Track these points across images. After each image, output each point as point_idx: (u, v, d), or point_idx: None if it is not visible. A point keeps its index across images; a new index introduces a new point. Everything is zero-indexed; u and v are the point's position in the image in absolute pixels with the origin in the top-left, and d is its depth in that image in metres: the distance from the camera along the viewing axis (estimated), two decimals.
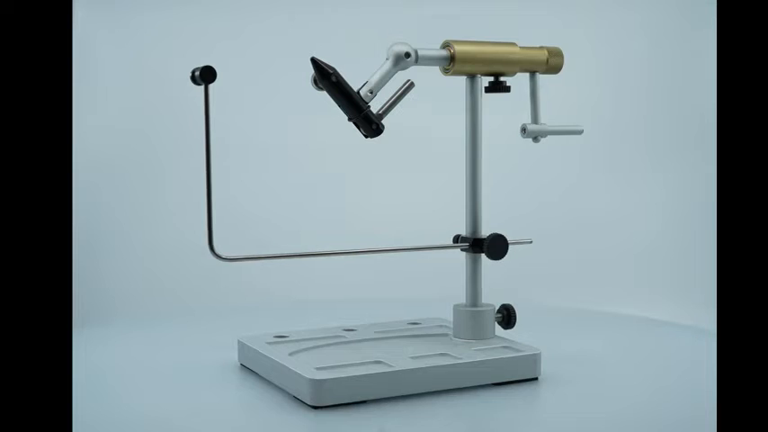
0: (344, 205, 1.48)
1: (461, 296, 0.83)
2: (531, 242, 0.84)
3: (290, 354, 0.79)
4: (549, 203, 1.47)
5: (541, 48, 0.83)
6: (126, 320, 1.22)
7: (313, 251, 0.81)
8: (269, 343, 0.82)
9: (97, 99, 1.48)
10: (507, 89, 0.82)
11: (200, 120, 0.75)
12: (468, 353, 0.78)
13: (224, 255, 0.76)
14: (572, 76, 0.81)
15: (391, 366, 0.74)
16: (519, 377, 0.77)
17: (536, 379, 0.78)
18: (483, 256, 0.82)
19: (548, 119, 0.83)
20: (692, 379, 0.79)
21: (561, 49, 0.84)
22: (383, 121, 0.78)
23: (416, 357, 0.77)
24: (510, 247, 0.82)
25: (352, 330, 0.87)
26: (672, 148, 1.48)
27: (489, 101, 0.82)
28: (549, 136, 0.84)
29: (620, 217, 1.48)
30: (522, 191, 1.40)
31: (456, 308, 0.83)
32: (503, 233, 0.81)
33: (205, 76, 0.73)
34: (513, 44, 0.82)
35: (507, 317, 0.83)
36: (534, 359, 0.78)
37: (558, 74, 0.84)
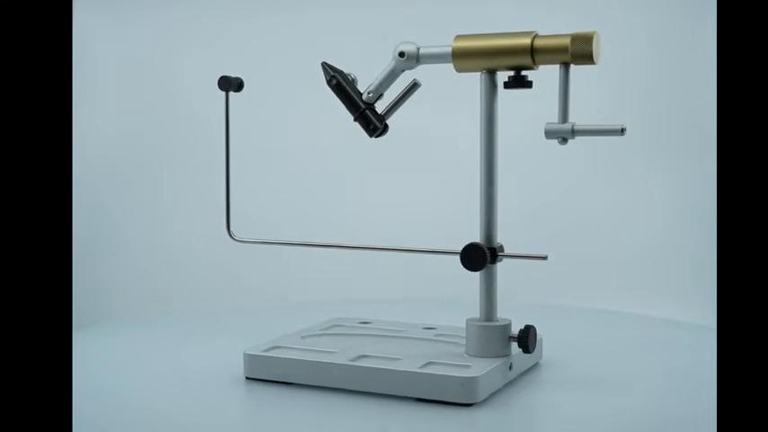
0: (344, 206, 1.48)
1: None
2: (546, 258, 0.74)
3: (304, 337, 0.83)
4: (548, 203, 1.47)
5: (565, 35, 0.72)
6: (126, 320, 1.21)
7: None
8: (334, 325, 0.88)
9: (97, 99, 1.49)
10: (528, 84, 0.74)
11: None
12: (412, 363, 0.74)
13: (238, 237, 0.85)
14: (571, 76, 0.81)
15: (329, 359, 0.76)
16: (447, 399, 0.70)
17: (470, 405, 0.70)
18: (498, 266, 0.76)
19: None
20: (692, 379, 0.79)
21: (596, 32, 0.72)
22: (388, 121, 0.79)
23: (362, 356, 0.76)
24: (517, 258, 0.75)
25: (431, 329, 0.87)
26: (672, 148, 1.48)
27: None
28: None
29: (621, 217, 1.48)
30: (521, 191, 1.40)
31: (468, 322, 0.77)
32: (503, 235, 0.77)
33: (221, 85, 0.83)
34: (529, 33, 0.73)
35: (519, 339, 0.75)
36: (463, 383, 0.70)
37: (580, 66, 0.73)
